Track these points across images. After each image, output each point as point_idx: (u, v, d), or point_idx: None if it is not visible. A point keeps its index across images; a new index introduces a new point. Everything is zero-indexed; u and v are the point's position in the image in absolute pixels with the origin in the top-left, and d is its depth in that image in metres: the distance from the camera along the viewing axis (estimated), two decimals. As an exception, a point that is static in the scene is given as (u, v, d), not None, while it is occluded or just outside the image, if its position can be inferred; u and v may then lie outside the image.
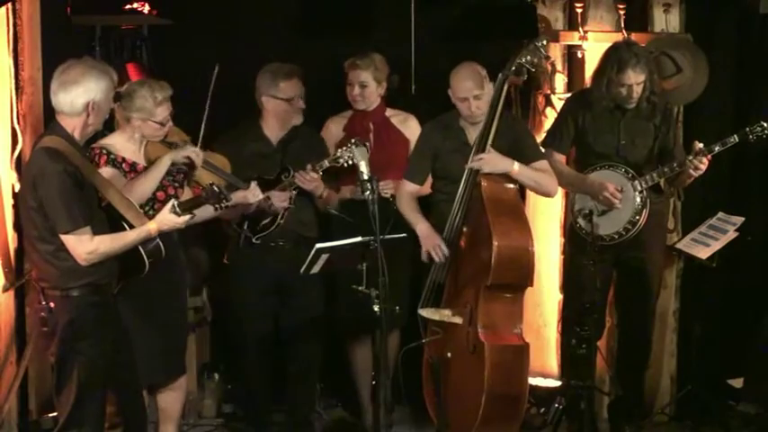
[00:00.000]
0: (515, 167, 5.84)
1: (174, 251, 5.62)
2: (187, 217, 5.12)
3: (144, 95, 5.53)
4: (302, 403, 6.44)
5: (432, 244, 5.90)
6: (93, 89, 4.96)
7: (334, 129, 6.43)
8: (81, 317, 4.93)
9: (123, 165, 5.57)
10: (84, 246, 4.88)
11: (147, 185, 5.52)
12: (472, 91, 5.90)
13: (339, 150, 5.97)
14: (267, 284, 6.22)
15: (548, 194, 6.06)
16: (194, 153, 5.67)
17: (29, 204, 4.92)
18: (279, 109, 6.20)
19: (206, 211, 5.49)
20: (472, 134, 5.97)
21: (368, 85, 6.33)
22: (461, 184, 5.86)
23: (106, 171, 5.44)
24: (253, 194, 5.92)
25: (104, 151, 5.53)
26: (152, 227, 5.05)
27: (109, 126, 5.63)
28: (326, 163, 6.03)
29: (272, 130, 6.25)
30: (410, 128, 6.43)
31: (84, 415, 4.96)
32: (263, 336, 6.28)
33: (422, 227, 5.98)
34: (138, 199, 5.33)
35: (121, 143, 5.61)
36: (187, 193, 5.67)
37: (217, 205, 5.22)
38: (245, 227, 6.12)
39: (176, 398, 5.82)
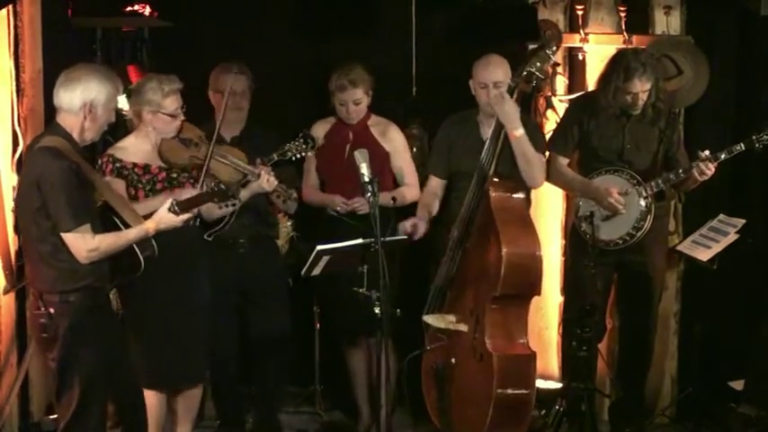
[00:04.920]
0: (519, 132, 5.83)
1: (196, 258, 5.61)
2: (186, 216, 5.11)
3: (152, 88, 5.55)
4: (267, 404, 6.41)
5: (414, 221, 5.97)
6: (93, 89, 4.95)
7: (315, 134, 6.39)
8: (81, 322, 4.93)
9: (135, 169, 5.58)
10: (87, 243, 4.87)
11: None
12: (492, 78, 5.91)
13: (287, 144, 5.95)
14: (226, 282, 6.09)
15: (533, 179, 5.98)
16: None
17: (31, 205, 4.90)
18: (216, 102, 6.14)
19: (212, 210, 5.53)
20: (487, 130, 5.96)
21: (362, 102, 6.30)
22: (483, 154, 5.84)
23: (110, 180, 5.46)
24: (267, 183, 5.84)
25: (111, 159, 5.56)
26: (149, 226, 5.04)
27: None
28: (275, 157, 5.94)
29: (224, 128, 6.12)
30: (390, 138, 6.39)
31: (86, 419, 4.97)
32: (227, 335, 6.20)
33: (420, 214, 6.04)
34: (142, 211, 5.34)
35: (134, 145, 5.62)
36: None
37: (223, 204, 5.22)
38: (197, 223, 5.92)
39: (194, 402, 5.85)
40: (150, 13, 6.82)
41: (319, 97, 6.51)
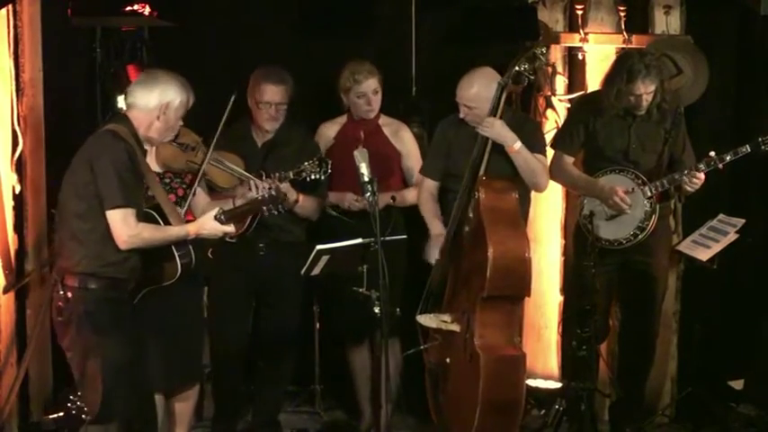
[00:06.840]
0: (517, 145, 5.83)
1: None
2: (229, 228, 5.12)
3: None
4: (269, 404, 6.42)
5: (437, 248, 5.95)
6: (171, 93, 5.05)
7: (325, 135, 6.40)
8: (98, 311, 4.94)
9: None
10: (129, 226, 4.89)
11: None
12: (462, 100, 5.93)
13: (305, 164, 5.96)
14: (243, 285, 6.16)
15: (537, 185, 5.98)
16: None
17: (79, 181, 4.92)
18: (254, 111, 6.16)
19: None
20: None
21: (379, 91, 6.32)
22: (473, 152, 5.84)
23: None
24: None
25: None
26: (191, 228, 5.08)
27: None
28: (291, 174, 5.96)
29: (258, 131, 6.21)
30: (401, 138, 6.41)
31: (112, 411, 4.97)
32: (236, 335, 6.24)
33: (436, 230, 6.01)
34: None
35: None
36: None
37: (275, 210, 5.22)
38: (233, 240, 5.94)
39: (190, 404, 5.83)
40: (150, 12, 6.80)
41: (319, 97, 6.51)
